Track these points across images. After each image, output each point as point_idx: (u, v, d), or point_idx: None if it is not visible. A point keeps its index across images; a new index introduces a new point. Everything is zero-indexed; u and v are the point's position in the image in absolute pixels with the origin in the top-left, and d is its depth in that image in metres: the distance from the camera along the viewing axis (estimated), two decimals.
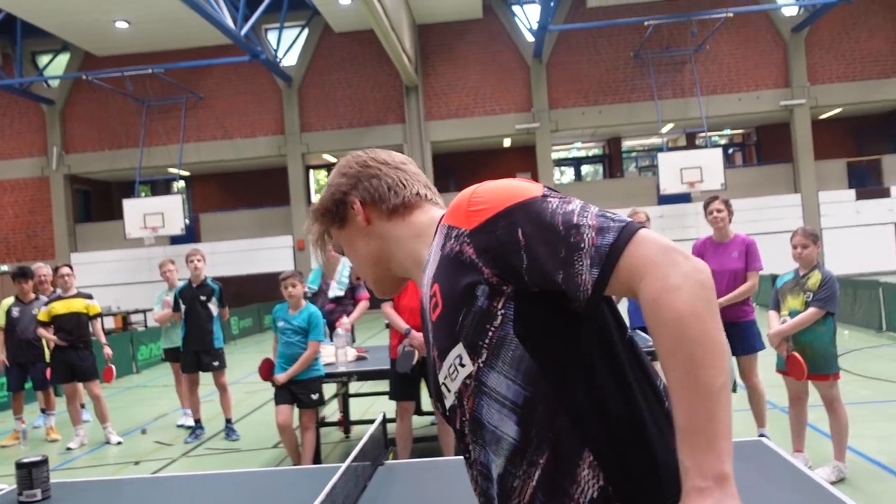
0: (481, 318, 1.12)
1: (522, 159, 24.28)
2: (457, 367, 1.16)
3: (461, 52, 22.36)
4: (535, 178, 23.12)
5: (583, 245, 1.05)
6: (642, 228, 1.05)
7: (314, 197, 26.53)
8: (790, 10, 21.46)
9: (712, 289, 1.01)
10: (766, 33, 21.76)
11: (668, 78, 21.80)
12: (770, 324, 4.78)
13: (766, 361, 5.41)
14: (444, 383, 1.20)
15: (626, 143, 26.99)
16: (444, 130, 22.31)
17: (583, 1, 21.62)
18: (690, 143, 25.46)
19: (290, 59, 22.35)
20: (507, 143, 24.08)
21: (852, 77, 21.65)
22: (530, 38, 21.45)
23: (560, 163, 28.72)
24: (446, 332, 1.16)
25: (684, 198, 20.89)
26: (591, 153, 28.69)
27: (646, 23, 19.63)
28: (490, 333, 1.12)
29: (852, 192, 21.91)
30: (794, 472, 2.62)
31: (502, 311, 1.11)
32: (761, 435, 5.45)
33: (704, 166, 19.88)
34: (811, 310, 4.51)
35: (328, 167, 26.51)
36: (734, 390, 5.43)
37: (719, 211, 5.40)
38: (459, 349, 1.15)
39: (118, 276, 22.47)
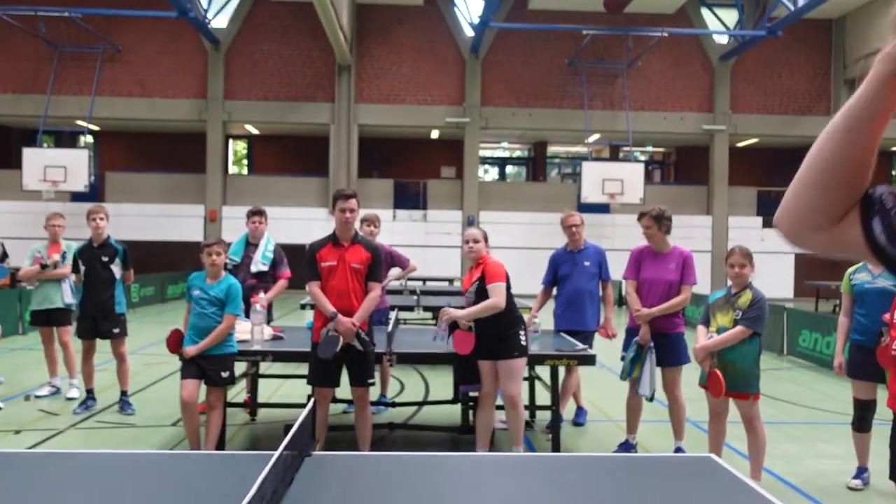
0: None
1: (449, 153, 24.16)
2: None
3: (399, 37, 22.02)
4: (459, 173, 23.04)
5: None
6: None
7: (231, 168, 25.60)
8: (721, 39, 22.14)
9: None
10: (697, 58, 22.37)
11: (600, 89, 22.11)
12: (698, 338, 4.76)
13: (693, 376, 5.42)
14: None
15: (552, 149, 27.26)
16: (374, 115, 21.92)
17: (525, 1, 21.64)
18: (614, 156, 25.94)
19: (220, 22, 21.42)
20: (435, 134, 23.90)
21: (769, 110, 22.53)
22: (470, 33, 21.33)
23: (485, 161, 28.77)
24: None
25: (604, 208, 21.23)
26: (515, 154, 28.86)
27: (583, 32, 19.83)
28: None
29: (759, 220, 22.84)
30: (745, 490, 2.51)
31: None
32: (678, 448, 5.45)
33: (626, 179, 20.30)
34: (738, 328, 4.51)
35: (249, 138, 25.64)
36: (650, 400, 5.40)
37: (647, 227, 5.38)
38: None
39: (9, 229, 20.96)
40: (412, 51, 22.04)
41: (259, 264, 6.20)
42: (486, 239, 5.07)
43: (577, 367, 6.46)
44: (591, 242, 6.49)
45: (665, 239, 5.45)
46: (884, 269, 0.99)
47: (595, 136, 23.30)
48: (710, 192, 22.78)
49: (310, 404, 2.89)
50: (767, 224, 22.69)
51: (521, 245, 20.54)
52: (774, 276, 21.96)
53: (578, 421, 6.64)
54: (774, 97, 22.53)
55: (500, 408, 5.52)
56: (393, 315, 5.82)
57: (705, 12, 22.16)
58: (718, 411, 4.84)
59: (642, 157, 27.55)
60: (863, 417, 5.01)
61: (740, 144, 23.82)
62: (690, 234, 22.26)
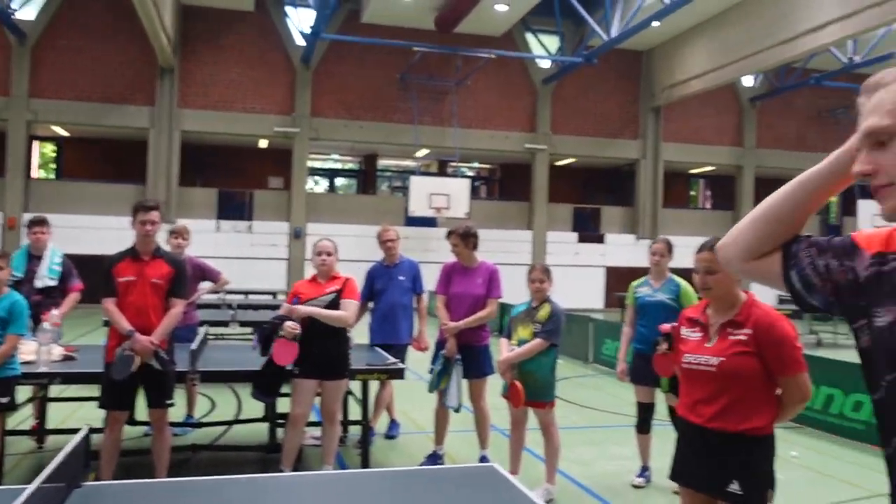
0: None
1: (277, 163, 23.67)
2: None
3: (227, 43, 21.35)
4: (287, 184, 22.65)
5: None
6: None
7: (37, 171, 23.61)
8: (544, 63, 23.37)
9: None
10: (522, 80, 23.48)
11: (429, 105, 22.61)
12: (500, 351, 4.99)
13: (499, 386, 5.64)
14: None
15: (382, 162, 27.48)
16: (198, 120, 21.09)
17: (357, 14, 21.73)
18: (442, 171, 26.57)
19: (27, 13, 19.75)
20: (263, 144, 23.36)
21: (586, 132, 24.06)
22: (301, 42, 21.08)
23: (315, 172, 28.46)
24: None
25: (430, 222, 21.68)
26: (347, 166, 28.80)
27: (414, 48, 20.21)
28: None
29: (575, 235, 24.29)
30: (522, 498, 2.66)
31: None
32: (483, 457, 5.66)
33: (452, 194, 20.85)
34: (537, 340, 4.78)
35: (57, 140, 23.77)
36: (457, 410, 5.58)
37: (455, 245, 5.59)
38: None
39: None
40: (241, 57, 21.44)
41: (45, 279, 5.75)
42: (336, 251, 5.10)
43: (390, 381, 6.56)
44: (406, 257, 6.62)
45: (472, 255, 5.67)
46: (798, 303, 1.42)
47: (424, 151, 23.77)
48: (532, 207, 23.92)
49: (84, 429, 2.73)
50: (583, 239, 24.18)
51: (350, 257, 20.34)
52: (587, 288, 23.41)
53: (391, 434, 6.73)
54: (590, 120, 24.09)
55: (311, 424, 5.48)
56: (202, 331, 5.60)
57: (530, 37, 23.31)
58: (519, 420, 5.09)
59: (469, 173, 28.46)
60: (644, 420, 5.46)
61: (559, 163, 25.23)
62: (514, 248, 23.28)
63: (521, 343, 4.86)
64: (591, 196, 26.43)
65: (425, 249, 21.65)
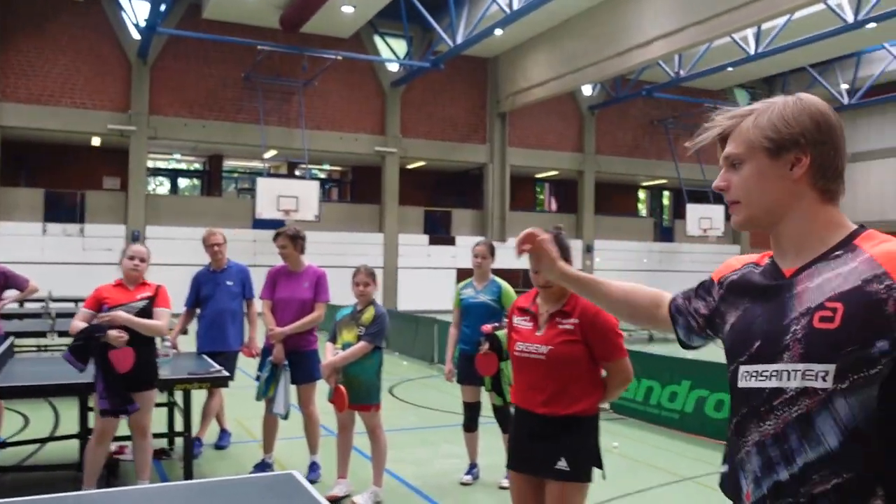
0: (865, 360, 1.29)
1: (113, 163, 22.35)
2: (819, 377, 1.32)
3: (52, 33, 19.89)
4: (124, 184, 21.43)
5: None
6: None
7: None
8: (392, 66, 23.48)
9: None
10: (370, 82, 23.46)
11: (276, 105, 22.12)
12: (325, 355, 4.93)
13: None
14: (789, 371, 1.36)
15: (229, 163, 26.62)
16: (20, 115, 19.51)
17: (198, 10, 20.90)
18: (291, 173, 26.09)
19: None
20: (96, 142, 21.94)
21: (435, 136, 24.42)
22: (136, 36, 20.01)
23: (157, 172, 27.13)
24: (828, 348, 1.31)
25: (279, 224, 21.15)
26: (192, 167, 27.64)
27: (258, 47, 19.70)
28: (862, 374, 1.29)
29: (426, 238, 24.58)
30: None
31: (881, 367, 1.28)
32: (313, 463, 5.58)
33: (301, 196, 20.49)
34: (361, 343, 4.76)
35: None
36: (285, 417, 5.47)
37: (283, 247, 5.49)
38: (830, 367, 1.31)
39: None
40: (69, 49, 20.05)
41: None
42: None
43: (219, 389, 6.33)
44: (234, 262, 6.41)
45: (300, 258, 5.57)
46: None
47: (272, 153, 23.24)
48: (383, 210, 23.97)
49: None
50: (434, 241, 24.50)
51: (193, 262, 19.59)
52: (438, 289, 23.72)
53: (221, 444, 6.49)
54: (439, 124, 24.47)
55: (123, 438, 5.18)
56: (6, 343, 5.16)
57: (378, 40, 23.35)
58: (345, 424, 5.04)
59: (321, 175, 28.13)
60: (471, 418, 5.58)
61: (410, 166, 25.44)
62: (365, 250, 23.24)
63: (345, 346, 4.82)
64: (442, 199, 26.85)
65: (274, 252, 21.08)
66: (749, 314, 1.48)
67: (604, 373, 3.05)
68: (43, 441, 6.20)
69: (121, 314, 4.53)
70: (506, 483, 5.36)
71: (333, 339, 4.97)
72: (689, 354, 8.26)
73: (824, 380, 1.31)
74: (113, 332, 4.49)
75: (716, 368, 7.31)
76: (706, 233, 25.73)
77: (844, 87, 25.89)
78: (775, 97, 1.49)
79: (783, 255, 1.47)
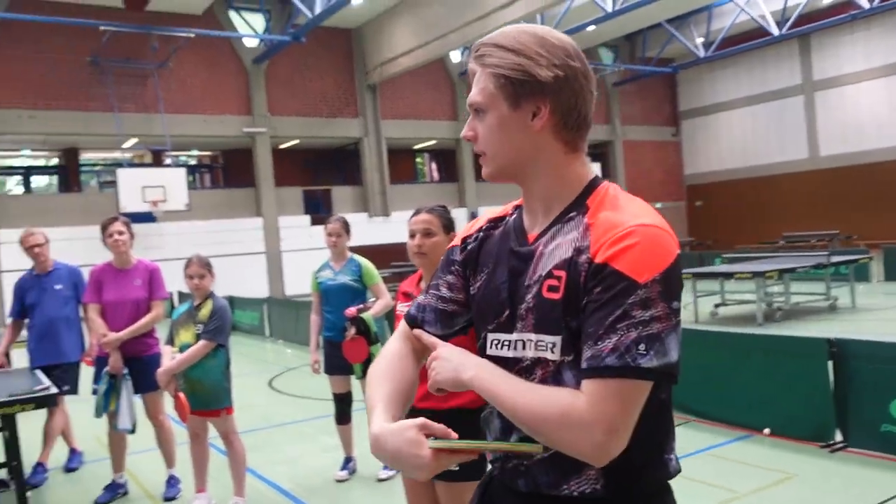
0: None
1: None
2: (549, 348, 1.30)
3: None
4: None
5: None
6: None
7: None
8: (252, 42, 22.37)
9: None
10: (230, 60, 22.28)
11: (131, 90, 20.66)
12: (162, 360, 4.40)
13: None
14: (524, 341, 1.33)
15: (87, 156, 24.83)
16: None
17: None
18: (157, 161, 24.59)
19: None
20: None
21: (306, 113, 23.56)
22: None
23: (7, 171, 25.00)
24: (554, 319, 1.28)
25: (148, 217, 19.93)
26: (48, 162, 25.59)
27: (101, 28, 18.23)
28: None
29: (307, 218, 23.80)
30: None
31: None
32: (171, 477, 5.06)
33: (168, 185, 19.32)
34: (200, 343, 4.26)
35: None
36: (132, 431, 4.91)
37: (120, 233, 4.85)
38: (557, 340, 1.29)
39: None
40: None
41: None
42: None
43: (60, 406, 5.67)
44: (60, 262, 5.71)
45: (130, 252, 4.97)
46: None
47: (132, 141, 21.80)
48: (258, 193, 23.01)
49: None
50: (315, 221, 23.75)
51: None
52: None
53: (71, 466, 5.84)
54: (308, 100, 23.60)
55: None
56: None
57: (234, 15, 22.17)
58: (196, 432, 4.55)
59: (191, 162, 26.72)
60: (342, 411, 5.20)
61: (283, 146, 24.50)
62: (243, 237, 22.29)
63: (183, 349, 4.30)
64: (320, 177, 26.09)
65: (146, 247, 19.85)
66: (492, 280, 1.42)
67: None
68: None
69: None
70: (383, 475, 5.03)
71: (171, 342, 4.44)
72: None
73: (553, 351, 1.29)
74: None
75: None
76: None
77: (700, 40, 26.77)
78: (512, 28, 1.36)
79: (533, 215, 1.40)
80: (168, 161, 24.15)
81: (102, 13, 19.21)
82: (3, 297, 18.54)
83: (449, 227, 2.96)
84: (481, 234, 1.50)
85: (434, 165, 31.01)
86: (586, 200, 1.33)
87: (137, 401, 4.96)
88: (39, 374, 5.26)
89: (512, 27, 1.37)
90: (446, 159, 28.65)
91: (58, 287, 5.56)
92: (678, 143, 32.30)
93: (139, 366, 4.85)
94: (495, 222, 1.50)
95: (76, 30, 19.21)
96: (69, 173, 23.98)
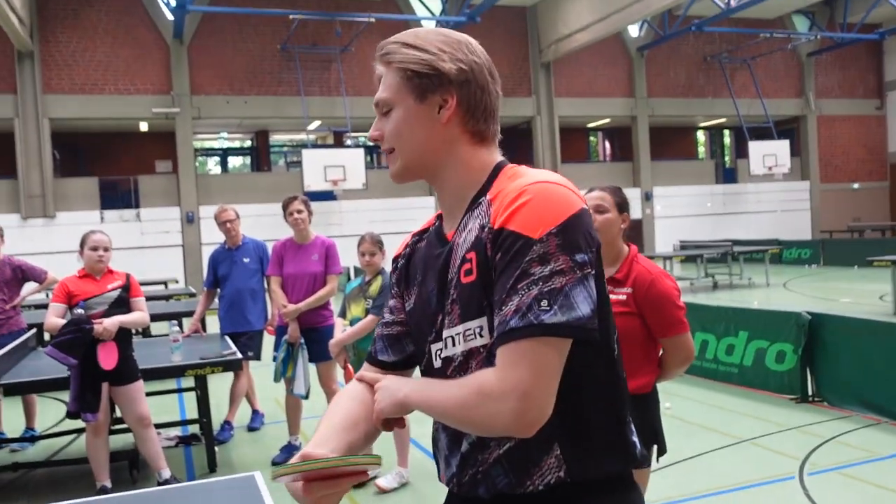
0: None
1: (162, 146, 22.53)
2: (476, 334, 1.25)
3: (89, 22, 19.96)
4: (175, 167, 21.62)
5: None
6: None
7: None
8: (429, 25, 22.86)
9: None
10: None
11: (316, 75, 21.83)
12: (335, 332, 4.62)
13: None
14: (452, 336, 1.29)
15: (275, 137, 26.60)
16: (67, 106, 19.73)
17: None
18: (338, 142, 25.89)
19: None
20: (143, 126, 22.14)
21: None
22: (170, 16, 19.94)
23: (207, 152, 27.36)
24: (475, 302, 1.24)
25: (329, 195, 21.08)
26: (245, 144, 27.74)
27: (290, 16, 19.37)
28: None
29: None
30: None
31: None
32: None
33: (347, 165, 20.28)
34: (368, 317, 4.43)
35: None
36: (306, 397, 5.21)
37: (299, 212, 5.15)
38: (483, 322, 1.24)
39: None
40: (106, 35, 20.11)
41: None
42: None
43: (246, 370, 6.16)
44: (248, 237, 6.16)
45: (309, 228, 5.27)
46: None
47: (316, 123, 23.06)
48: None
49: None
50: None
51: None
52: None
53: (253, 426, 6.32)
54: None
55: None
56: (26, 336, 5.04)
57: None
58: None
59: (370, 143, 27.86)
60: None
61: None
62: (413, 215, 22.95)
63: (354, 322, 4.50)
64: None
65: (327, 224, 21.12)
66: (423, 292, 1.39)
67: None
68: (76, 433, 6.13)
69: (114, 322, 4.34)
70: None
71: (343, 315, 4.66)
72: (745, 304, 7.69)
73: (480, 335, 1.25)
74: (108, 322, 4.31)
75: (775, 318, 6.76)
76: (771, 171, 24.49)
77: None
78: (414, 30, 1.40)
79: (449, 213, 1.39)
80: (348, 142, 25.34)
81: (292, 2, 20.40)
82: (203, 267, 20.38)
83: (622, 206, 2.84)
84: (408, 249, 1.50)
85: (608, 144, 30.27)
86: (492, 183, 1.32)
87: (312, 369, 5.26)
88: (227, 340, 5.74)
89: (414, 29, 1.41)
90: (621, 137, 27.85)
91: (245, 260, 6.01)
92: (882, 116, 29.29)
93: (315, 336, 5.14)
94: (420, 235, 1.49)
95: (269, 19, 20.57)
96: (260, 154, 25.84)
